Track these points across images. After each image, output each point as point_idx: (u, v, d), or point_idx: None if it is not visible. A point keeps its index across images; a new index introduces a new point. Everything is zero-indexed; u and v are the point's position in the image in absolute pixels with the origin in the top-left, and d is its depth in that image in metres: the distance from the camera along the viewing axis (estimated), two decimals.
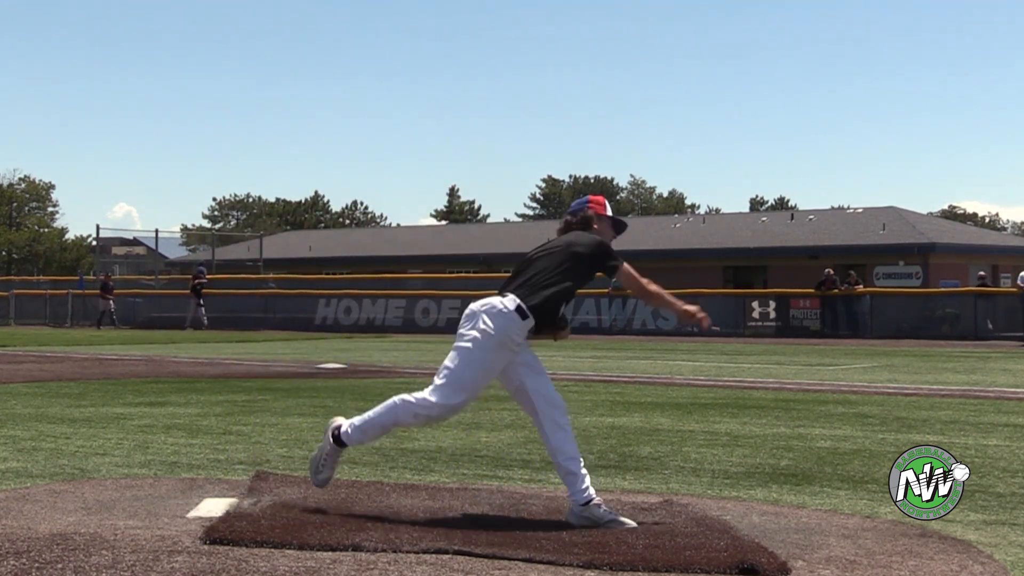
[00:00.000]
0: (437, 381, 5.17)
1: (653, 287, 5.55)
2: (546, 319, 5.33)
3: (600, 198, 5.77)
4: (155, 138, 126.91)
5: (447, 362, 5.21)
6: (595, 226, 5.56)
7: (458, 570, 4.09)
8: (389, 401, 5.20)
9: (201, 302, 35.21)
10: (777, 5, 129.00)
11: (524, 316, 5.20)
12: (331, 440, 5.24)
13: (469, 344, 5.16)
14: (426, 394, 5.14)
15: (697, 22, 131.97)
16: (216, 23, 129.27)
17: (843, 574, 4.14)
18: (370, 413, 5.23)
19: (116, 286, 38.24)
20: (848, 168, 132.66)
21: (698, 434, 8.38)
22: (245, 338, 28.33)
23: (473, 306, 5.31)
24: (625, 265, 5.44)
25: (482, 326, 5.16)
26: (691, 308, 5.46)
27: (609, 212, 5.70)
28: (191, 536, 4.60)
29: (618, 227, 5.70)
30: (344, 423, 5.27)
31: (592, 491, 5.00)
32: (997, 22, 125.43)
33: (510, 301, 5.21)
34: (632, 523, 4.95)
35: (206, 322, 34.94)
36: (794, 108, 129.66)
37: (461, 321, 5.27)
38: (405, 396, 5.18)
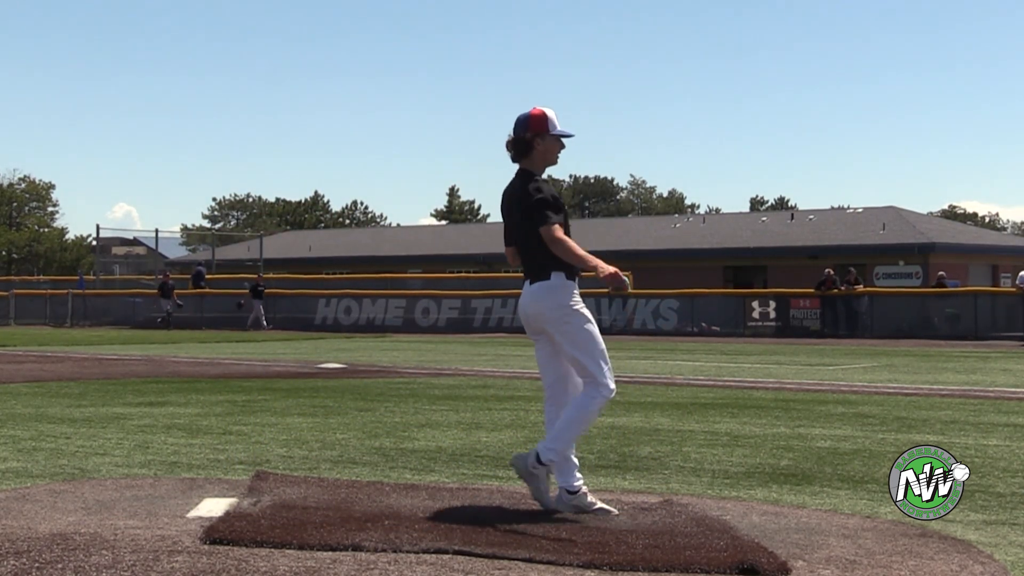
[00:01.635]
0: (591, 368, 5.24)
1: (576, 252, 5.29)
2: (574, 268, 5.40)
3: (539, 112, 5.42)
4: (155, 138, 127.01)
5: (578, 354, 5.26)
6: (537, 148, 5.38)
7: (458, 570, 4.09)
8: (573, 404, 5.26)
9: (261, 304, 35.12)
10: (777, 5, 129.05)
11: (570, 278, 5.33)
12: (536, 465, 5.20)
13: (579, 324, 5.26)
14: (595, 385, 5.26)
15: (697, 22, 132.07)
16: (216, 23, 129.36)
17: (843, 574, 4.14)
18: (560, 424, 5.25)
19: (176, 286, 37.82)
20: (848, 168, 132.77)
21: (698, 434, 8.38)
22: (245, 338, 28.33)
23: (531, 303, 5.34)
24: (555, 228, 5.22)
25: (569, 306, 5.28)
26: (609, 269, 5.23)
27: (554, 127, 5.42)
28: (191, 536, 4.61)
29: (566, 137, 5.46)
30: (540, 451, 5.20)
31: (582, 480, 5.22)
32: (997, 22, 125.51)
33: (554, 279, 5.30)
34: (614, 510, 5.16)
35: (266, 324, 34.84)
36: (794, 108, 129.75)
37: (537, 317, 5.30)
38: (587, 392, 5.25)
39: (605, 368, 5.25)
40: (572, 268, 5.36)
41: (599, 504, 5.20)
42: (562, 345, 5.29)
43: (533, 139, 5.39)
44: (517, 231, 5.43)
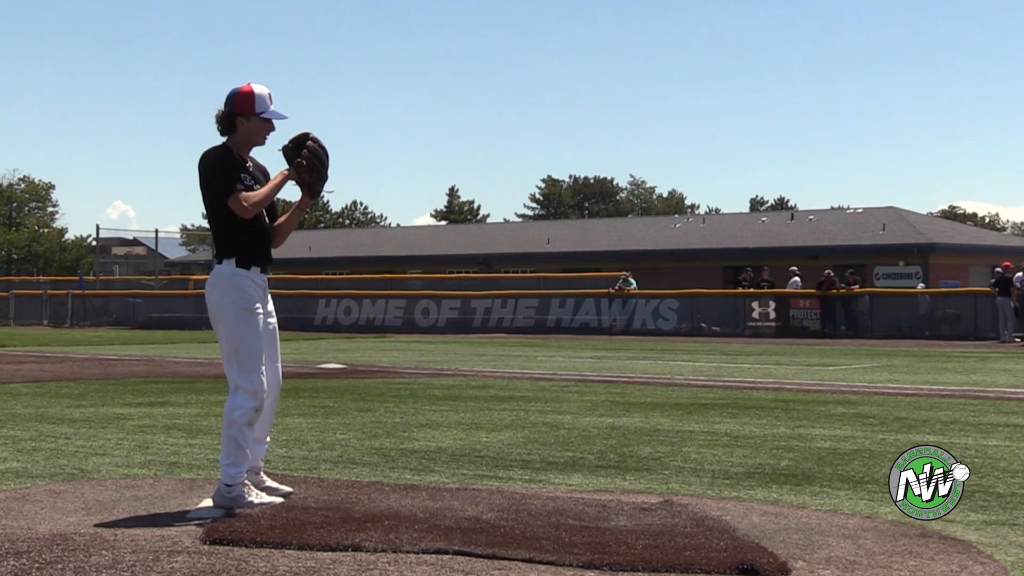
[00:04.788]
0: (230, 372, 5.26)
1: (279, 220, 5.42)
2: (256, 251, 5.32)
3: (247, 90, 5.22)
4: (154, 137, 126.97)
5: (224, 347, 5.29)
6: (240, 127, 5.24)
7: (458, 570, 4.09)
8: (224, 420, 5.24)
9: None
10: (777, 4, 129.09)
11: (242, 266, 5.26)
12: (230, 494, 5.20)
13: (228, 320, 5.23)
14: (232, 391, 5.26)
15: (697, 22, 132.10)
16: (214, 22, 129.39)
17: (843, 574, 4.14)
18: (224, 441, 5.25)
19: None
20: (848, 168, 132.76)
21: (698, 434, 8.38)
22: None
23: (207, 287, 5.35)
24: (241, 196, 5.13)
25: (221, 298, 5.24)
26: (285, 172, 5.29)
27: (263, 107, 5.23)
28: (191, 536, 4.61)
29: (276, 116, 5.27)
30: (225, 479, 5.20)
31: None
32: (997, 21, 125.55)
33: (223, 266, 5.27)
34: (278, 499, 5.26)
35: None
36: (794, 107, 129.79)
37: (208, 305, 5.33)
38: (226, 407, 5.26)
39: (248, 374, 5.22)
40: (247, 254, 5.24)
41: (263, 498, 5.23)
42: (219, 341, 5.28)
43: (236, 117, 5.23)
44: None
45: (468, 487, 5.94)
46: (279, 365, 5.47)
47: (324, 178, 5.39)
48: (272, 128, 5.36)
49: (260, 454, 5.45)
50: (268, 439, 5.53)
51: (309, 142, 5.34)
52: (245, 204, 5.17)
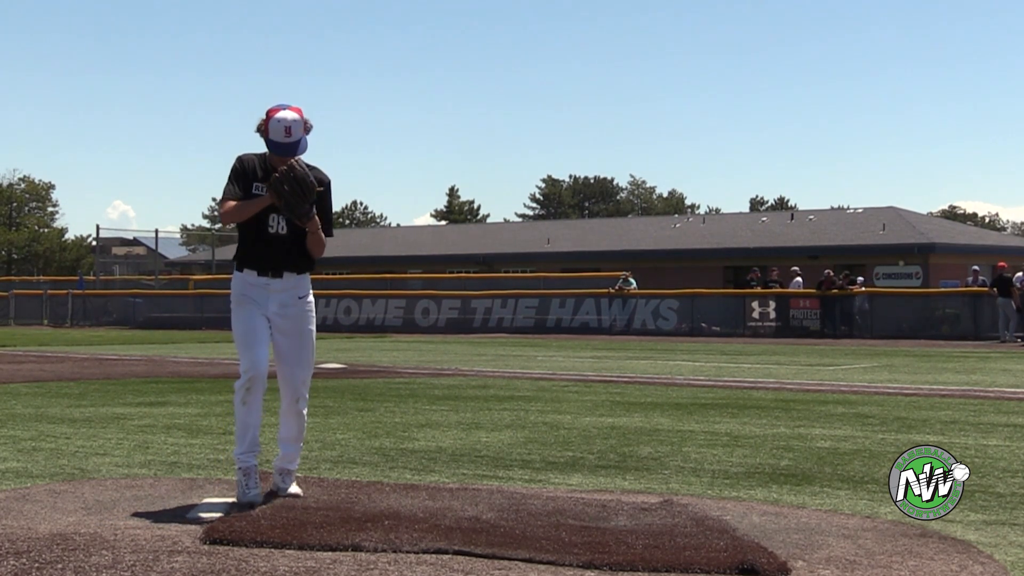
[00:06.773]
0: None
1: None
2: (251, 256, 5.53)
3: (273, 112, 5.30)
4: (154, 138, 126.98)
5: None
6: (266, 144, 5.40)
7: (458, 570, 4.09)
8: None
9: None
10: (777, 4, 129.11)
11: (238, 269, 5.61)
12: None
13: (231, 312, 5.66)
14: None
15: (697, 22, 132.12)
16: (215, 21, 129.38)
17: (843, 574, 4.14)
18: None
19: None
20: (848, 168, 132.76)
21: (698, 434, 8.38)
22: None
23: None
24: (228, 205, 5.36)
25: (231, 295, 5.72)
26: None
27: (276, 133, 5.26)
28: (191, 536, 4.61)
29: (277, 149, 5.30)
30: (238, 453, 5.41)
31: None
32: (998, 21, 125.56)
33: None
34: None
35: None
36: (794, 108, 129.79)
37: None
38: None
39: (241, 355, 5.56)
40: (243, 258, 5.54)
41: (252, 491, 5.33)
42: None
43: (264, 131, 5.38)
44: None
45: (468, 487, 5.94)
46: (297, 370, 5.61)
47: (292, 204, 5.27)
48: (282, 154, 5.34)
49: (284, 455, 5.58)
50: (294, 444, 5.64)
51: (283, 167, 5.29)
52: (222, 212, 5.47)
